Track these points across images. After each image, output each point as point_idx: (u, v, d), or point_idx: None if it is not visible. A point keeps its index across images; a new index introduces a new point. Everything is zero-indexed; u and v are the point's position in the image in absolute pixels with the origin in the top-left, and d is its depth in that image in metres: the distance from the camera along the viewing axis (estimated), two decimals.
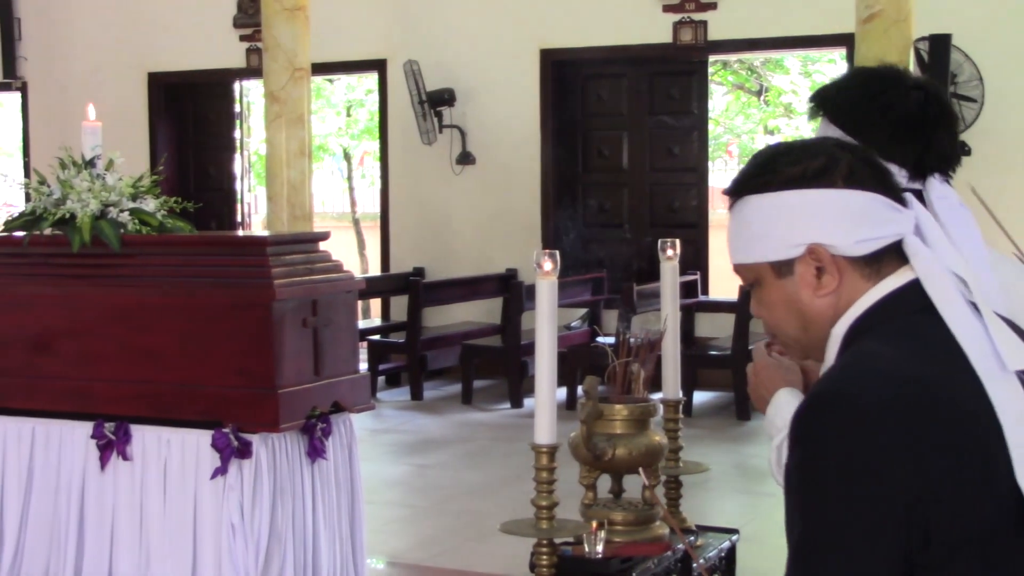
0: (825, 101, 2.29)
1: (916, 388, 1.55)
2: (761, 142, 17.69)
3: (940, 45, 8.81)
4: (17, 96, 12.63)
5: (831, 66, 15.50)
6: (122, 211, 4.26)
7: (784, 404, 2.22)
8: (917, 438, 1.52)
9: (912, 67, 8.24)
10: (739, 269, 1.79)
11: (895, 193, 1.72)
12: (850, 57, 9.07)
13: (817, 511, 1.54)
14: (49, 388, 4.32)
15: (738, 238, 1.76)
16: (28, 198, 4.55)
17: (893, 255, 1.70)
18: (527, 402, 9.03)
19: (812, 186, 1.68)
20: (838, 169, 1.69)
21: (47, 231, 4.32)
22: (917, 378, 1.56)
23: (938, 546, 1.52)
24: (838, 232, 1.67)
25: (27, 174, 11.45)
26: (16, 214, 4.49)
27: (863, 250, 1.68)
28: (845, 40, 9.14)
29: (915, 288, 1.67)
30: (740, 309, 8.76)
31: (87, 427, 4.19)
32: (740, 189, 1.75)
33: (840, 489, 1.52)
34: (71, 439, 4.24)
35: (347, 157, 17.90)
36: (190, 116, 12.23)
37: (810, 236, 1.68)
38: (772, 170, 1.72)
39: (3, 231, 4.45)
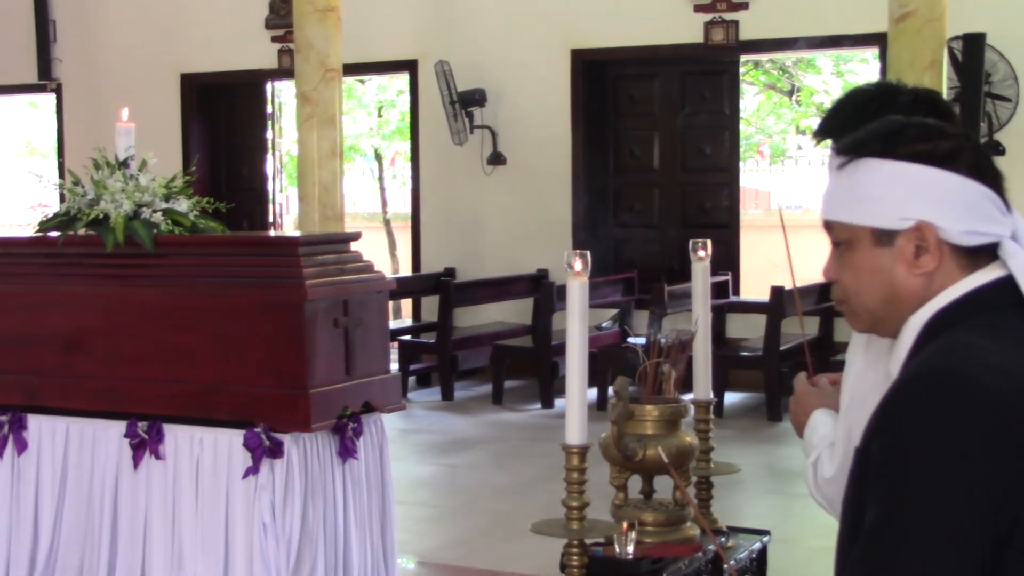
0: (825, 127, 2.29)
1: (1011, 379, 1.53)
2: (792, 142, 17.62)
3: (974, 44, 8.75)
4: (52, 97, 12.74)
5: (863, 66, 15.42)
6: (155, 211, 4.28)
7: (820, 424, 2.21)
8: (1011, 428, 1.49)
9: (946, 66, 8.18)
10: (833, 226, 1.75)
11: (1004, 197, 1.71)
12: (883, 56, 9.02)
13: (902, 495, 1.50)
14: (83, 387, 4.35)
15: (843, 196, 1.73)
16: (62, 199, 4.58)
17: (988, 254, 1.68)
18: (558, 402, 9.02)
19: (938, 165, 1.66)
20: (965, 156, 1.68)
21: (81, 231, 4.35)
22: (1012, 370, 1.55)
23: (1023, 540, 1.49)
24: (951, 217, 1.65)
25: (61, 175, 11.52)
26: (51, 215, 4.52)
27: (968, 241, 1.66)
28: (878, 40, 9.09)
29: (1005, 285, 1.66)
30: (772, 310, 8.73)
31: (120, 426, 4.21)
32: (860, 149, 1.71)
33: (928, 474, 1.49)
34: (104, 438, 4.27)
35: (378, 157, 17.93)
36: (222, 117, 12.29)
37: (922, 213, 1.66)
38: (901, 139, 1.69)
39: (38, 231, 4.49)
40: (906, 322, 1.69)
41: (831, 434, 2.19)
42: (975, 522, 1.48)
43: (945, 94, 8.20)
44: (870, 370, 2.08)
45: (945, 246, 1.66)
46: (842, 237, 1.74)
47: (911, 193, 1.66)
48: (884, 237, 1.69)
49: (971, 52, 8.73)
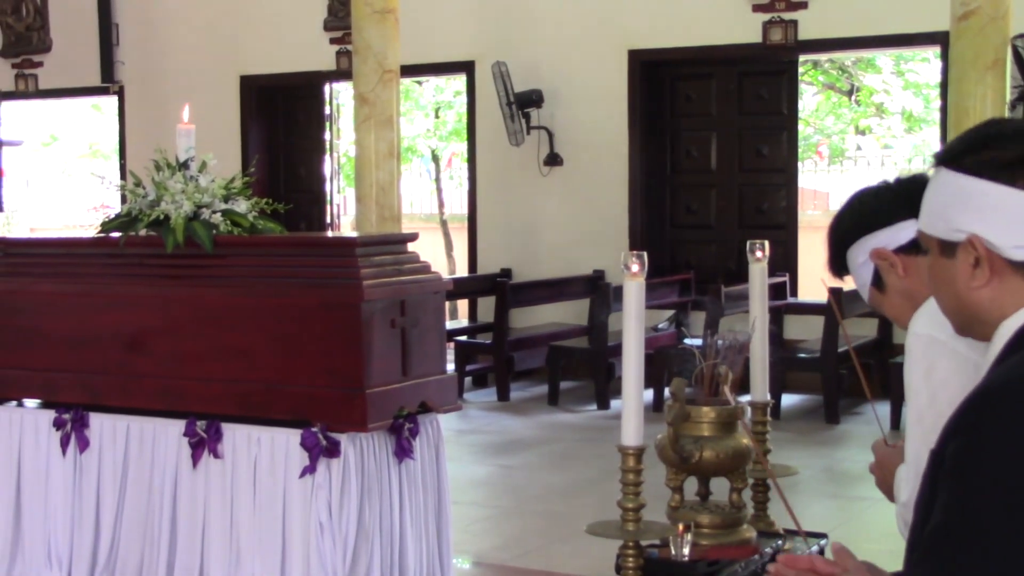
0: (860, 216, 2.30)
1: None
2: (851, 142, 17.46)
3: None
4: (115, 100, 12.90)
5: (924, 65, 15.25)
6: (214, 212, 4.32)
7: (905, 478, 2.19)
8: None
9: (1009, 65, 8.07)
10: (919, 233, 1.77)
11: None
12: (944, 55, 8.91)
13: (965, 501, 1.49)
14: (143, 387, 4.40)
15: (925, 205, 1.74)
16: (124, 200, 4.64)
17: None
18: (614, 403, 9.00)
19: (992, 178, 1.64)
20: None
21: (142, 232, 4.41)
22: None
23: None
24: (1000, 231, 1.63)
25: (123, 176, 11.68)
26: (112, 215, 4.58)
27: (1020, 256, 1.64)
28: (940, 38, 8.99)
29: None
30: (829, 312, 8.65)
31: (179, 425, 4.26)
32: (942, 158, 1.72)
33: (993, 482, 1.48)
34: (164, 437, 4.32)
35: (435, 158, 17.99)
36: (281, 118, 12.39)
37: (974, 227, 1.64)
38: (975, 150, 1.68)
39: (100, 232, 4.55)
40: (997, 328, 1.67)
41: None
42: None
43: (1008, 94, 8.09)
44: (952, 379, 2.05)
45: (998, 260, 1.64)
46: (924, 244, 1.75)
47: (964, 206, 1.65)
48: (947, 249, 1.69)
49: None
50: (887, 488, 2.30)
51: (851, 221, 2.30)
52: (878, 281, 2.25)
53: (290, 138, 12.40)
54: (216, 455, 4.19)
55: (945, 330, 1.92)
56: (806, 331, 9.53)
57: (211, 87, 12.03)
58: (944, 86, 9.08)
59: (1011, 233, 1.63)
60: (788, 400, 9.02)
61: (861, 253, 2.25)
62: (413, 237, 4.58)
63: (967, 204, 1.65)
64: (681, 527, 3.05)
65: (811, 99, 16.48)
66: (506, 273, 10.65)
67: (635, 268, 2.92)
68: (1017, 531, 1.46)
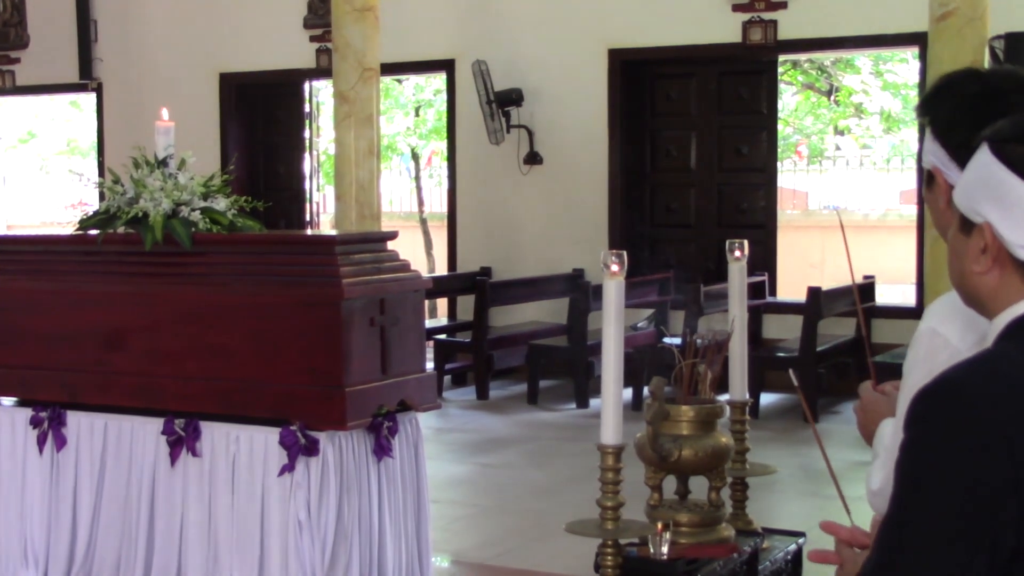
0: (930, 111, 2.13)
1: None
2: (831, 142, 17.52)
3: (1016, 43, 8.66)
4: (93, 97, 12.85)
5: (903, 65, 15.31)
6: (193, 210, 4.31)
7: (887, 433, 2.19)
8: (1020, 444, 1.48)
9: (987, 66, 8.11)
10: (953, 202, 1.76)
11: None
12: (923, 56, 8.95)
13: (907, 495, 1.52)
14: (121, 384, 4.39)
15: (963, 176, 1.72)
16: (102, 197, 4.62)
17: None
18: (593, 402, 9.01)
19: (1021, 173, 1.63)
20: None
21: (120, 230, 4.39)
22: None
23: None
24: (1013, 227, 1.63)
25: (101, 173, 11.63)
26: (91, 213, 4.56)
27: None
28: (918, 39, 9.02)
29: None
30: (808, 310, 8.68)
31: (157, 423, 4.25)
32: (990, 135, 1.69)
33: (931, 477, 1.50)
34: (142, 435, 4.30)
35: (415, 157, 17.96)
36: (260, 116, 12.35)
37: (991, 215, 1.64)
38: (1018, 139, 1.65)
39: (78, 229, 4.53)
40: (992, 322, 1.68)
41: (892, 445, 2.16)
42: (961, 534, 1.47)
43: None
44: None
45: (1004, 254, 1.64)
46: (952, 212, 1.75)
47: (990, 192, 1.65)
48: (966, 226, 1.69)
49: (1013, 51, 8.64)
50: (867, 432, 2.29)
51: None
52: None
53: (269, 136, 12.37)
54: (194, 453, 4.18)
55: (951, 327, 1.92)
56: (785, 330, 9.56)
57: (190, 84, 11.99)
58: (922, 87, 9.12)
59: (1022, 232, 1.63)
60: (766, 399, 9.05)
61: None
62: (393, 235, 4.58)
63: (992, 191, 1.65)
64: (660, 526, 3.06)
65: (790, 99, 16.53)
66: (486, 272, 10.65)
67: (615, 267, 2.93)
68: (940, 533, 1.48)
